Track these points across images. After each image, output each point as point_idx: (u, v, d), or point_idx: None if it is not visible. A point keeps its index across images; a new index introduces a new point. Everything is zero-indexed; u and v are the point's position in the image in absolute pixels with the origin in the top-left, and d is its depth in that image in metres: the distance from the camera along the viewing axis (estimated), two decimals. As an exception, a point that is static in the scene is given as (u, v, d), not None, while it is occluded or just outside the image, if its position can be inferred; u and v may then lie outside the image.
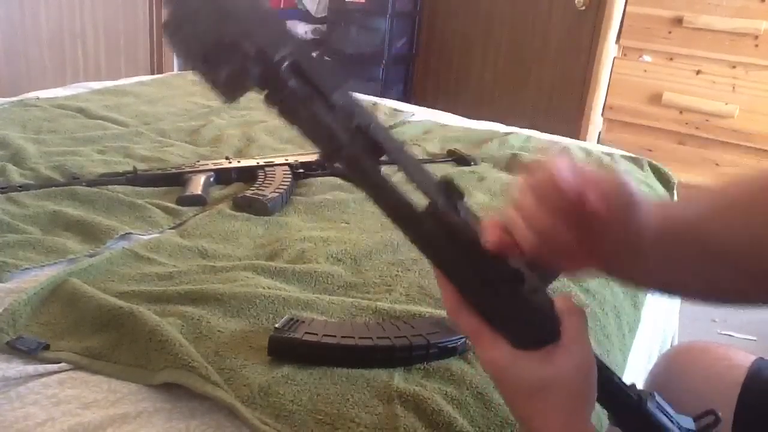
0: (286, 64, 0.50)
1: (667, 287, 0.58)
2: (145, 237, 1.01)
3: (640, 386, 0.59)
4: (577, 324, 0.51)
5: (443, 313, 0.82)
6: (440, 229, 0.50)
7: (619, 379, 0.56)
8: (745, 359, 0.83)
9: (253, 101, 1.98)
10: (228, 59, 0.49)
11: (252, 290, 0.82)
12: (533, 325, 0.51)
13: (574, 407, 0.51)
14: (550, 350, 0.50)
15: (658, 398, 0.58)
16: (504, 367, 0.51)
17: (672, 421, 0.56)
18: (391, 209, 0.52)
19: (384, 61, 3.23)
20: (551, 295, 0.53)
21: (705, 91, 2.36)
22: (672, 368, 0.91)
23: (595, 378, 0.52)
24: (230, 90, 0.51)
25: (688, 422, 0.60)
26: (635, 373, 0.96)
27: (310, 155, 1.35)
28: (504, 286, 0.50)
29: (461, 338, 0.75)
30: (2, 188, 1.11)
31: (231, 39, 0.48)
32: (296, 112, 0.51)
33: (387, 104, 1.93)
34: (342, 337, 0.71)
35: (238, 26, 0.48)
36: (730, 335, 2.17)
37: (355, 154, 0.51)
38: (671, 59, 2.39)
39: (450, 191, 0.51)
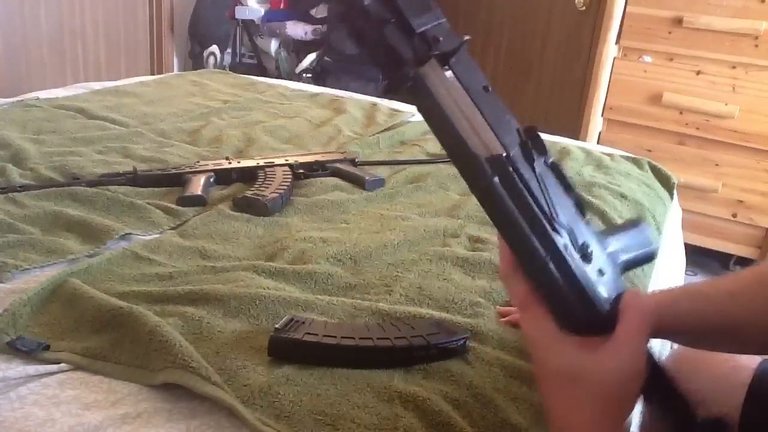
0: None
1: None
2: (145, 237, 1.01)
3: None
4: (637, 325, 0.47)
5: (443, 314, 0.82)
6: (502, 184, 0.44)
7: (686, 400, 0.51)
8: (750, 361, 0.83)
9: (253, 101, 1.99)
10: None
11: (252, 291, 0.82)
12: (584, 309, 0.47)
13: (605, 410, 0.47)
14: (597, 342, 0.46)
15: None
16: (543, 345, 0.48)
17: None
18: (451, 151, 0.46)
19: (384, 61, 3.22)
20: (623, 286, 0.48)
21: (705, 91, 2.35)
22: (677, 370, 0.91)
23: (638, 387, 0.48)
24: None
25: None
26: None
27: (311, 155, 1.36)
28: (562, 260, 0.46)
29: (461, 339, 0.75)
30: (2, 188, 1.11)
31: None
32: (365, 33, 0.45)
33: (387, 104, 1.93)
34: (342, 337, 0.71)
35: None
36: (730, 335, 2.16)
37: (419, 85, 0.44)
38: (671, 59, 2.39)
39: (530, 143, 0.46)
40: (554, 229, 0.45)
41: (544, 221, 0.45)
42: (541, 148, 0.46)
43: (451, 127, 0.45)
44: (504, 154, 0.44)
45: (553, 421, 0.49)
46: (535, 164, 0.45)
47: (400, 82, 0.45)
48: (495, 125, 0.45)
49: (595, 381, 0.46)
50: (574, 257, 0.46)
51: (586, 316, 0.47)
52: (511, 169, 0.44)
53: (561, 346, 0.47)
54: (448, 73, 0.45)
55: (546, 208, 0.45)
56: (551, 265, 0.46)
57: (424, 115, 0.46)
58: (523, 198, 0.45)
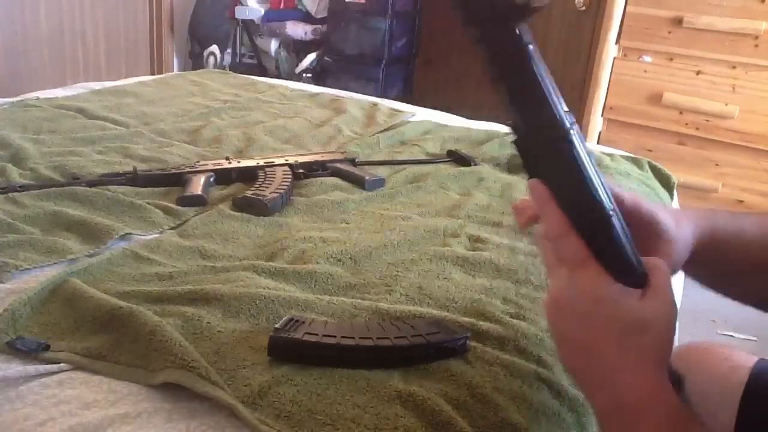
0: None
1: (713, 286, 0.64)
2: (145, 237, 1.01)
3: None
4: (665, 276, 0.51)
5: (443, 313, 0.82)
6: (568, 150, 0.49)
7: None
8: (747, 360, 0.83)
9: (252, 101, 1.99)
10: None
11: (252, 290, 0.82)
12: (633, 261, 0.51)
13: (663, 359, 0.50)
14: (646, 292, 0.50)
15: None
16: (608, 296, 0.50)
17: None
18: (529, 104, 0.50)
19: (384, 61, 3.23)
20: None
21: (705, 91, 2.36)
22: (675, 368, 0.91)
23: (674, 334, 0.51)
24: None
25: None
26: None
27: (310, 155, 1.36)
28: (613, 218, 0.51)
29: (461, 338, 0.75)
30: (2, 188, 1.11)
31: None
32: None
33: (387, 104, 1.93)
34: (342, 337, 0.71)
35: None
36: (730, 335, 2.17)
37: (517, 37, 0.48)
38: (671, 59, 2.39)
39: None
40: (605, 190, 0.51)
41: (600, 180, 0.50)
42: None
43: (536, 78, 0.49)
44: (564, 123, 0.49)
45: (608, 382, 0.50)
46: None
47: (493, 32, 0.49)
48: (554, 95, 0.49)
49: (657, 330, 0.49)
50: (621, 217, 0.51)
51: (631, 268, 0.51)
52: (569, 133, 0.49)
53: (625, 296, 0.50)
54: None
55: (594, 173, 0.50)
56: (615, 219, 0.50)
57: (509, 67, 0.49)
58: (588, 154, 0.50)
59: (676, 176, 1.59)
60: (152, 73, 2.90)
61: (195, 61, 3.58)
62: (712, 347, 0.90)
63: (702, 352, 0.89)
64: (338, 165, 1.32)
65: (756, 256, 0.60)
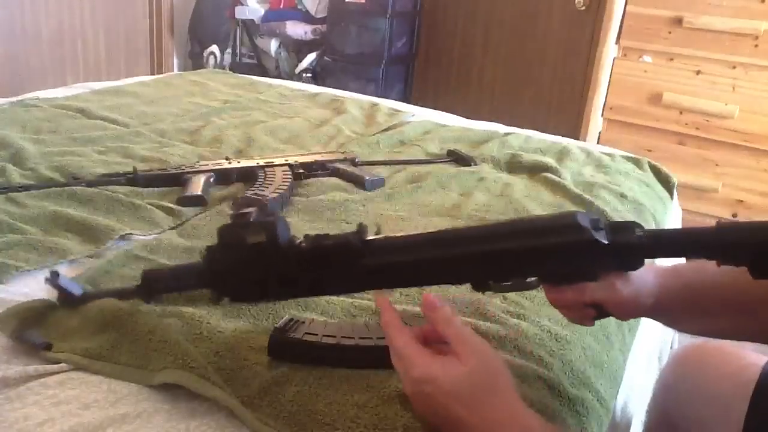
0: None
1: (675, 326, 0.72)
2: (145, 237, 1.01)
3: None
4: (461, 336, 0.59)
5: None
6: None
7: None
8: (758, 359, 0.83)
9: (252, 101, 1.98)
10: None
11: (252, 290, 0.82)
12: None
13: (493, 392, 0.57)
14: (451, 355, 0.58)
15: None
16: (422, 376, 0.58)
17: None
18: None
19: (384, 61, 3.23)
20: None
21: (705, 91, 2.36)
22: (684, 367, 0.91)
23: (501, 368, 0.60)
24: None
25: None
26: (636, 373, 0.96)
27: (310, 155, 1.36)
28: None
29: (461, 338, 0.75)
30: (2, 188, 1.11)
31: None
32: None
33: (387, 104, 1.93)
34: (342, 337, 0.71)
35: None
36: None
37: None
38: (671, 59, 2.39)
39: None
40: None
41: None
42: None
43: None
44: None
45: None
46: None
47: None
48: None
49: (473, 376, 0.58)
50: None
51: None
52: None
53: (433, 367, 0.60)
54: None
55: None
56: None
57: None
58: None
59: (676, 176, 1.59)
60: (152, 73, 2.90)
61: (195, 61, 3.58)
62: (722, 345, 0.90)
63: (712, 350, 0.89)
64: (338, 165, 1.32)
65: (725, 298, 0.66)
